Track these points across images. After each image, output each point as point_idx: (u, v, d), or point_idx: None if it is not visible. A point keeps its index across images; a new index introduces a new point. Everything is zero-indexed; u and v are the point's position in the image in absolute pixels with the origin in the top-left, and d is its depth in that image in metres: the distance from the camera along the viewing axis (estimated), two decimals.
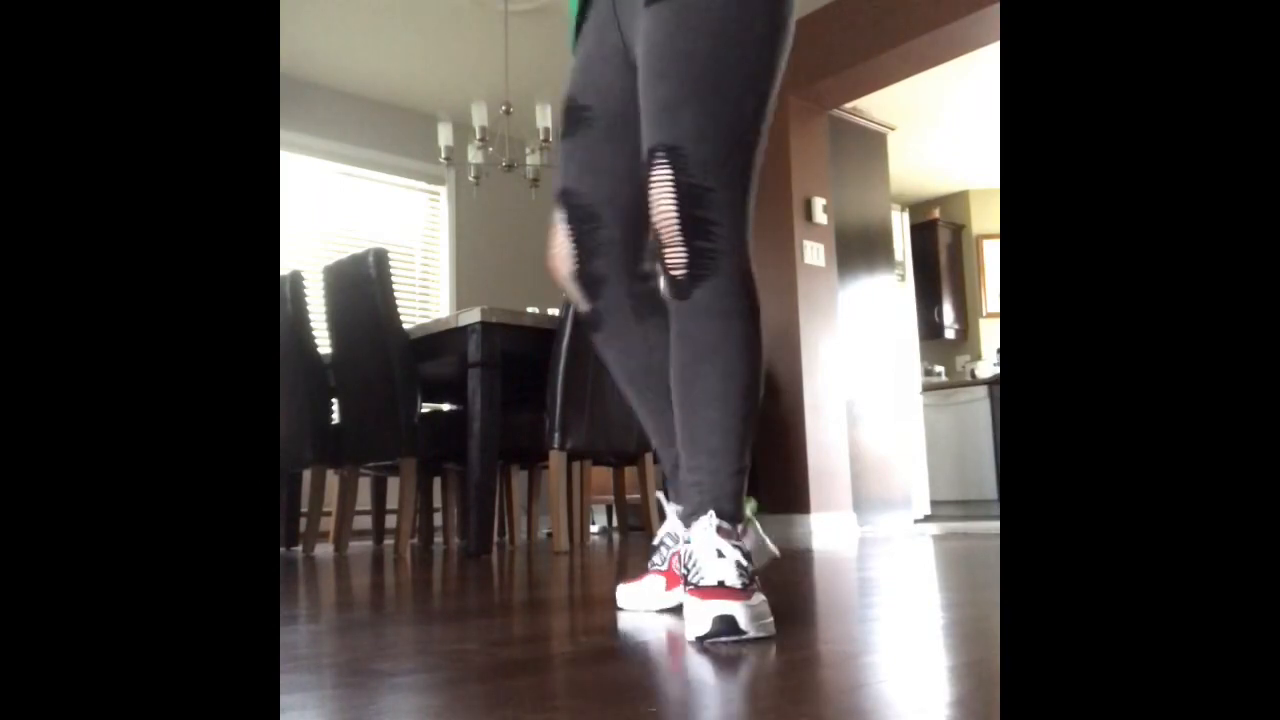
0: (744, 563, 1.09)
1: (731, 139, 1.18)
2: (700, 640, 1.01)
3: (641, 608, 1.32)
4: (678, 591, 1.28)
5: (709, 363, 1.17)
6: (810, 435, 4.54)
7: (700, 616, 1.02)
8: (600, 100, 1.33)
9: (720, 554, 1.08)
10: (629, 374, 1.37)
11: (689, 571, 1.10)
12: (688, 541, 1.13)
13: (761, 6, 1.20)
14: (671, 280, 1.18)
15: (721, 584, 1.04)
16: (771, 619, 1.06)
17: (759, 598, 1.06)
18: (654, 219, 1.18)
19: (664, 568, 1.31)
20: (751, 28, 1.19)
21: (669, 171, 1.16)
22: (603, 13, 1.34)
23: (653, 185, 1.17)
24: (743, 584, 1.05)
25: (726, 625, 1.00)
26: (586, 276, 1.33)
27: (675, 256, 1.16)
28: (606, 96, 1.33)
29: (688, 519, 1.17)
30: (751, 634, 1.01)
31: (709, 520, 1.12)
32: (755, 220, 4.89)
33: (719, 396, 1.17)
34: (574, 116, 1.35)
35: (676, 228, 1.15)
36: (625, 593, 1.35)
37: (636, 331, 1.35)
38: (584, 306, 1.35)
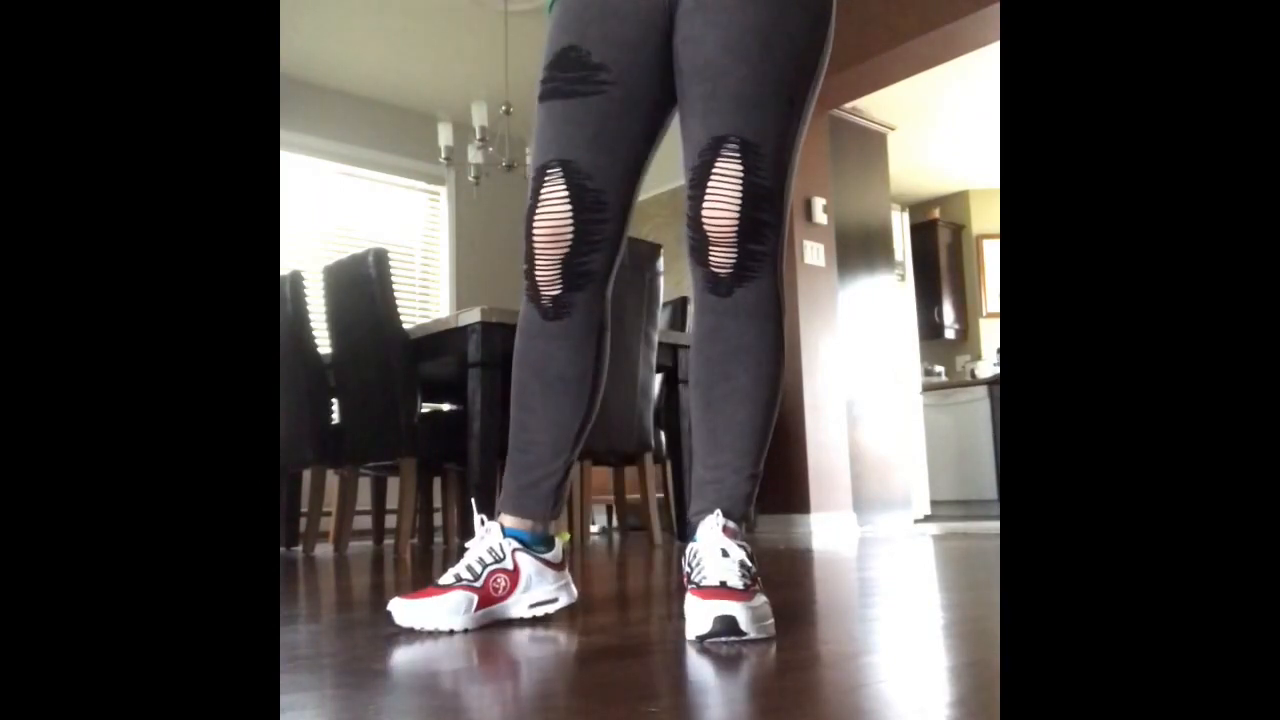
0: (748, 563, 1.08)
1: (795, 143, 1.15)
2: (700, 640, 1.00)
3: (434, 625, 1.13)
4: (485, 613, 1.17)
5: (742, 362, 1.16)
6: (810, 435, 4.54)
7: (701, 616, 1.01)
8: (617, 62, 1.16)
9: (725, 553, 1.08)
10: (556, 376, 1.22)
11: (692, 570, 1.10)
12: (693, 540, 1.14)
13: (833, 10, 1.18)
14: (713, 277, 1.14)
15: (723, 584, 1.04)
16: (772, 620, 1.05)
17: (760, 599, 1.05)
18: (706, 212, 1.11)
19: (478, 585, 1.17)
20: (830, 31, 1.17)
21: (740, 168, 1.10)
22: None
23: (717, 178, 1.10)
24: (744, 584, 1.05)
25: (727, 625, 0.99)
26: (576, 267, 1.19)
27: (725, 256, 1.12)
28: (626, 59, 1.16)
29: (696, 516, 1.16)
30: (751, 635, 1.00)
31: (716, 519, 1.12)
32: None
33: (748, 396, 1.16)
34: (580, 74, 1.16)
35: (734, 228, 1.11)
36: (412, 609, 1.15)
37: (590, 339, 1.23)
38: (553, 292, 1.19)
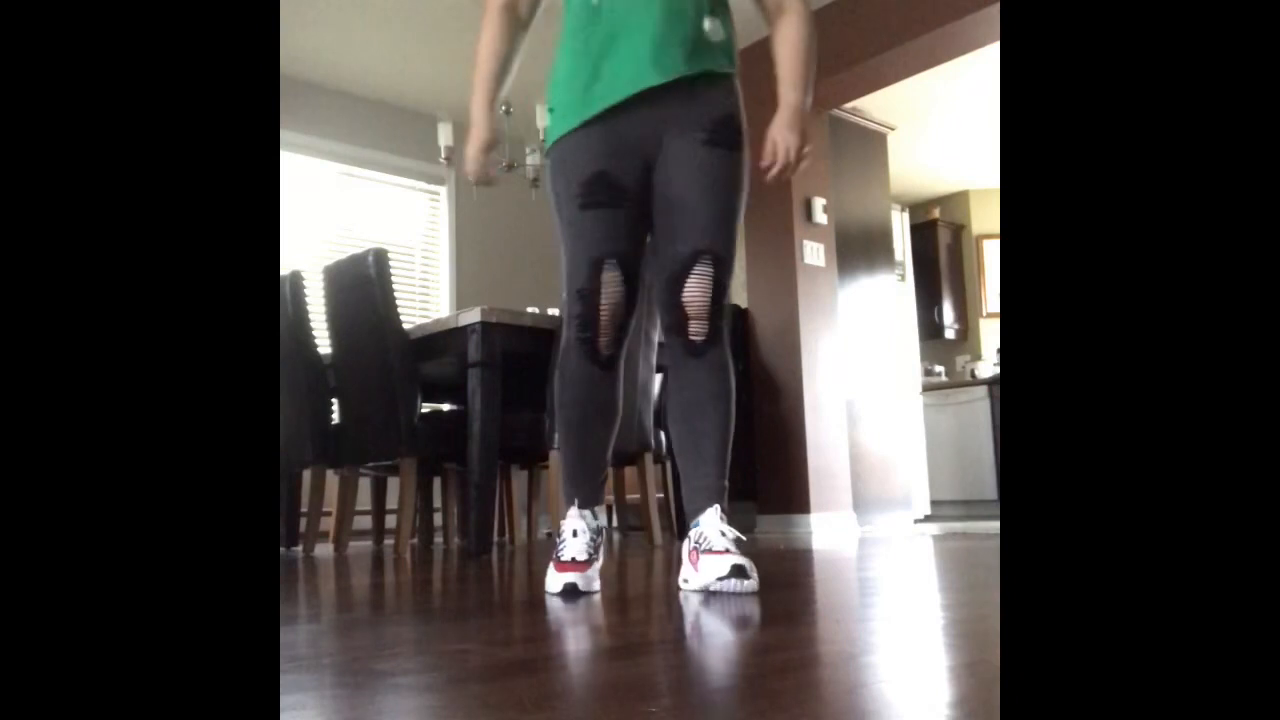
0: (740, 538, 1.58)
1: (736, 245, 1.69)
2: (719, 579, 1.48)
3: (588, 589, 1.60)
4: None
5: (714, 404, 1.64)
6: (810, 435, 4.54)
7: (719, 565, 1.48)
8: (632, 189, 1.62)
9: (724, 533, 1.56)
10: (610, 407, 1.69)
11: (699, 543, 1.56)
12: (695, 525, 1.59)
13: (745, 151, 1.70)
14: (692, 344, 1.64)
15: (728, 549, 1.52)
16: (757, 578, 1.51)
17: (750, 561, 1.52)
18: (687, 301, 1.61)
19: (598, 557, 1.66)
20: (745, 163, 1.72)
21: (711, 270, 1.62)
22: (642, 126, 1.62)
23: (696, 277, 1.61)
24: (740, 549, 1.53)
25: (737, 571, 1.47)
26: (622, 327, 1.65)
27: (702, 329, 1.63)
28: (635, 189, 1.63)
29: (695, 512, 1.61)
30: (750, 582, 1.48)
31: (715, 511, 1.59)
32: (756, 221, 4.90)
33: (721, 426, 1.65)
34: (612, 193, 1.61)
35: (709, 311, 1.62)
36: (567, 579, 1.58)
37: (623, 379, 1.67)
38: (610, 351, 1.65)
